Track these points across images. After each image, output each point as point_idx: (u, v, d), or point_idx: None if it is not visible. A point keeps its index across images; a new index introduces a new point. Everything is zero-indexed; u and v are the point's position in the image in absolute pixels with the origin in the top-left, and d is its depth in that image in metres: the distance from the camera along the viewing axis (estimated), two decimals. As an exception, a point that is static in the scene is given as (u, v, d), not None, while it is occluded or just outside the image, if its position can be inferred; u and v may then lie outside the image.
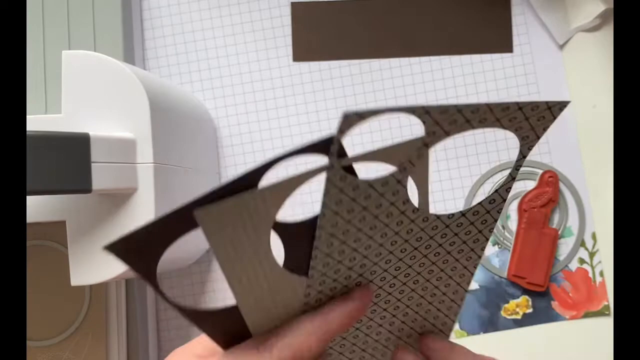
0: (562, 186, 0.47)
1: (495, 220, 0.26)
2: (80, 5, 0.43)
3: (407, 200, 0.23)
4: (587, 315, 0.47)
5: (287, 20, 0.49)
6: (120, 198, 0.34)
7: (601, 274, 0.47)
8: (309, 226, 0.22)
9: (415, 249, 0.25)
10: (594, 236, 0.47)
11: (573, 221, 0.48)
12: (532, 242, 0.46)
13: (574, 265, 0.47)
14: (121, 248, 0.19)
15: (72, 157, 0.31)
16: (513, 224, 0.47)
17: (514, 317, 0.47)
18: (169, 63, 0.49)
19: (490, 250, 0.48)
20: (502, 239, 0.48)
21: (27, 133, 0.29)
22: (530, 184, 0.48)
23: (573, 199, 0.48)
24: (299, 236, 0.23)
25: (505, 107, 0.21)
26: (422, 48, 0.49)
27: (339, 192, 0.20)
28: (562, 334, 0.47)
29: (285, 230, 0.23)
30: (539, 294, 0.47)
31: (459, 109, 0.20)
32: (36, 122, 0.33)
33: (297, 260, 0.23)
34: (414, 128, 0.48)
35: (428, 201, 0.23)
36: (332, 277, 0.24)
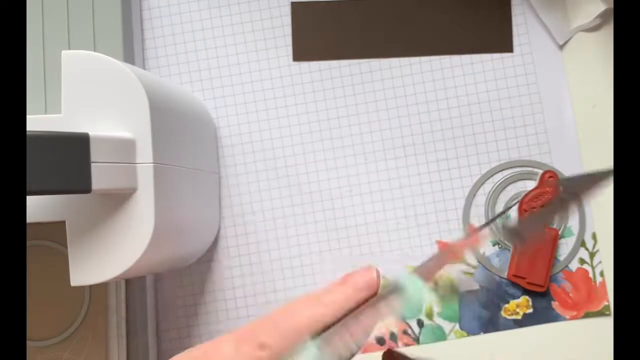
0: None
1: None
2: (80, 5, 0.43)
3: None
4: (587, 315, 0.47)
5: (287, 20, 0.49)
6: (120, 198, 0.34)
7: (601, 274, 0.47)
8: None
9: None
10: (594, 236, 0.47)
11: (573, 221, 0.48)
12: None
13: (574, 265, 0.47)
14: None
15: (71, 157, 0.31)
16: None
17: (514, 317, 0.47)
18: (169, 63, 0.49)
19: (490, 250, 0.48)
20: (502, 239, 0.48)
21: (27, 133, 0.29)
22: (531, 184, 0.48)
23: (573, 199, 0.48)
24: None
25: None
26: (422, 48, 0.49)
27: None
28: (562, 334, 0.47)
29: None
30: (539, 294, 0.47)
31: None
32: (36, 122, 0.33)
33: None
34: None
35: None
36: None
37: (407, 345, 0.47)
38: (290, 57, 0.49)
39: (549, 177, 0.47)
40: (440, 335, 0.47)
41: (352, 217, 0.48)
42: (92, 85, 0.34)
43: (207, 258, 0.48)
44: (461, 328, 0.47)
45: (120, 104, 0.34)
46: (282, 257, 0.48)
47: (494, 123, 0.48)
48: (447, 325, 0.47)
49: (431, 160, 0.48)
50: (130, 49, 0.45)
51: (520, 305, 0.47)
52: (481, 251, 0.48)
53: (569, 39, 0.48)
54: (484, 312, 0.47)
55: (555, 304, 0.47)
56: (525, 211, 0.47)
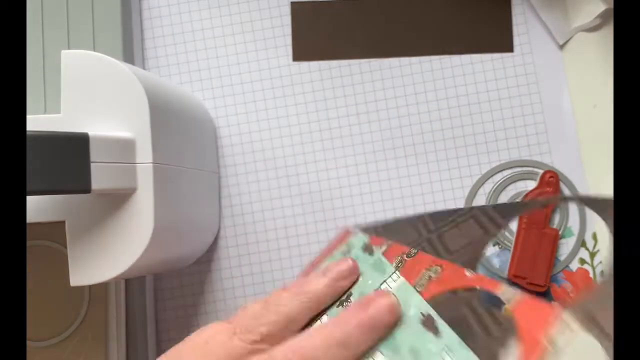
0: (562, 186, 0.47)
1: None
2: (80, 5, 0.43)
3: None
4: (587, 315, 0.47)
5: (287, 20, 0.49)
6: (119, 198, 0.34)
7: (602, 274, 0.47)
8: None
9: None
10: (594, 236, 0.47)
11: (574, 221, 0.47)
12: (532, 242, 0.46)
13: (574, 265, 0.47)
14: None
15: (71, 157, 0.31)
16: (513, 224, 0.47)
17: (514, 317, 0.47)
18: (169, 63, 0.49)
19: (490, 250, 0.48)
20: (502, 239, 0.48)
21: (27, 133, 0.29)
22: (531, 184, 0.48)
23: (573, 199, 0.48)
24: None
25: None
26: (422, 48, 0.49)
27: None
28: (562, 334, 0.47)
29: None
30: (540, 294, 0.47)
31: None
32: (35, 122, 0.33)
33: None
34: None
35: None
36: None
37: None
38: (290, 57, 0.49)
39: (550, 177, 0.47)
40: (440, 335, 0.47)
41: (352, 217, 0.48)
42: (91, 85, 0.34)
43: (207, 258, 0.48)
44: (461, 328, 0.47)
45: (120, 104, 0.34)
46: (282, 258, 0.48)
47: (494, 123, 0.48)
48: (447, 325, 0.47)
49: (431, 160, 0.48)
50: (130, 49, 0.45)
51: (520, 305, 0.47)
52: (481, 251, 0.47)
53: (569, 39, 0.48)
54: (484, 312, 0.47)
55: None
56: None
